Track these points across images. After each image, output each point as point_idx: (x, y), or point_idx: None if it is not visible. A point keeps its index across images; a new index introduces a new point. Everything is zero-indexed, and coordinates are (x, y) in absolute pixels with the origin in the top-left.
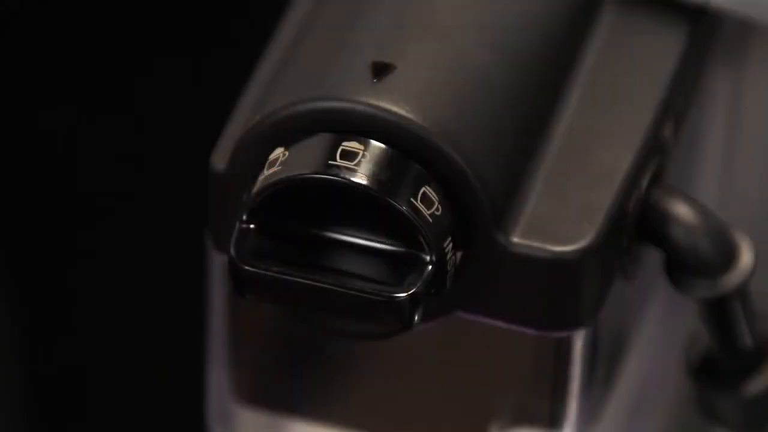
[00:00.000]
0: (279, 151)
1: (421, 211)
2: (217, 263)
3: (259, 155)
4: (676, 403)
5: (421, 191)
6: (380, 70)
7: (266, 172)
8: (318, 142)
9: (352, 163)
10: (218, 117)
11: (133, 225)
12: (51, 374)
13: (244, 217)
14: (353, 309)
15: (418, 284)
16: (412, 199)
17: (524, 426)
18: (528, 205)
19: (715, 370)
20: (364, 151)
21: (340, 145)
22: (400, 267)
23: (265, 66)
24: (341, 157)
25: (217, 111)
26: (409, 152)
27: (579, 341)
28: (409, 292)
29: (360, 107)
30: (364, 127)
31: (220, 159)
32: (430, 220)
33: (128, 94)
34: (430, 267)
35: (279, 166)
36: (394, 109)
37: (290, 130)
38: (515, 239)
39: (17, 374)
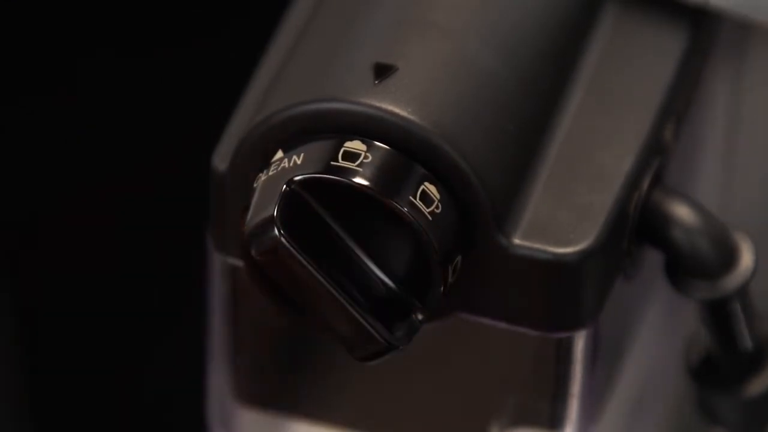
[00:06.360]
0: (279, 155)
1: (420, 209)
2: (218, 264)
3: (260, 156)
4: (676, 403)
5: (420, 189)
6: (382, 71)
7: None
8: (321, 144)
9: (354, 164)
10: (219, 117)
11: (133, 225)
12: (51, 374)
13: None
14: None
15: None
16: (411, 198)
17: (525, 426)
18: (529, 207)
19: (714, 370)
20: (366, 152)
21: (342, 146)
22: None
23: (266, 66)
24: (343, 158)
25: (218, 111)
26: (411, 153)
27: (580, 342)
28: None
29: (362, 109)
30: (366, 128)
31: (221, 159)
32: (430, 218)
33: (128, 93)
34: (432, 266)
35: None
36: (396, 110)
37: (292, 131)
38: (516, 240)
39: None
